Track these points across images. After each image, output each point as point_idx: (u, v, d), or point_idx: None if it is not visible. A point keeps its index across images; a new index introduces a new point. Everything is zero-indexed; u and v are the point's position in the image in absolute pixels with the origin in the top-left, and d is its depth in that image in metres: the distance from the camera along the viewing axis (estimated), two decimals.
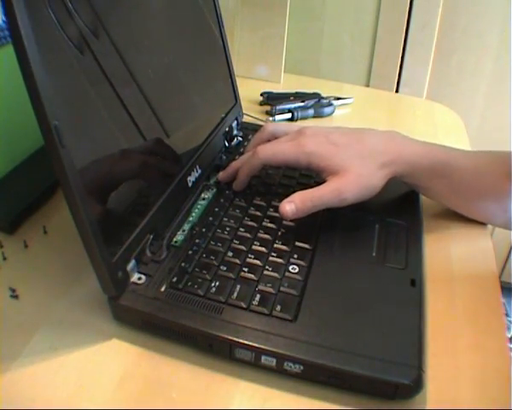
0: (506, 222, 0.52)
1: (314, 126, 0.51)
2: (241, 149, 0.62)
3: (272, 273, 0.43)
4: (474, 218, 0.54)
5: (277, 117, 0.77)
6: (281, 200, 0.52)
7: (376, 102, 0.90)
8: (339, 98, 0.83)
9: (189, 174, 0.51)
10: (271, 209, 0.51)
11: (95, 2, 0.40)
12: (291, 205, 0.47)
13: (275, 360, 0.37)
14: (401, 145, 0.50)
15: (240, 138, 0.66)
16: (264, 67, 0.89)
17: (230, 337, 0.37)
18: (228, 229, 0.47)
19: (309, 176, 0.57)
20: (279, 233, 0.48)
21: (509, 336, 1.23)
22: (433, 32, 1.02)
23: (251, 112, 0.76)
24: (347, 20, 1.04)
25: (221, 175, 0.55)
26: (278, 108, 0.77)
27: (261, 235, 0.47)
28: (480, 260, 0.52)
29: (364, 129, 0.52)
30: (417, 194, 0.57)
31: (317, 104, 0.80)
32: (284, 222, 0.49)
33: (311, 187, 0.54)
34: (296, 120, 0.77)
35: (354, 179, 0.47)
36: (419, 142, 0.51)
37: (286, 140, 0.51)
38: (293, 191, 0.54)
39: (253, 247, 0.46)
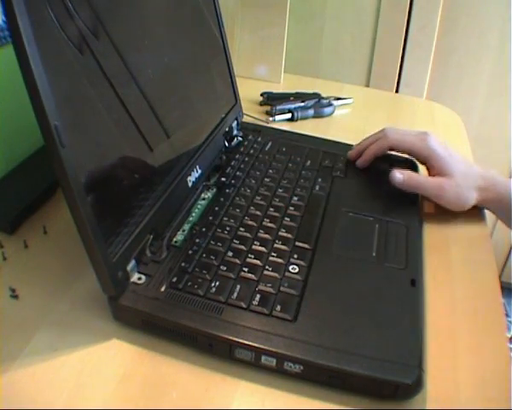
0: None
1: (435, 134, 0.58)
2: (241, 149, 0.62)
3: (272, 273, 0.43)
4: None
5: (277, 117, 0.77)
6: (281, 200, 0.52)
7: (376, 102, 0.90)
8: (339, 98, 0.83)
9: (189, 174, 0.51)
10: (271, 209, 0.51)
11: (95, 2, 0.40)
12: (400, 175, 0.55)
13: (275, 360, 0.37)
14: (496, 177, 0.57)
15: (240, 138, 0.66)
16: (264, 67, 0.89)
17: (230, 337, 0.37)
18: (228, 229, 0.47)
19: (308, 179, 0.57)
20: (279, 233, 0.48)
21: (509, 336, 1.23)
22: (433, 32, 1.02)
23: (251, 112, 0.76)
24: (347, 20, 1.04)
25: (350, 153, 0.63)
26: (278, 108, 0.77)
27: (261, 235, 0.47)
28: (479, 260, 0.52)
29: (469, 162, 0.59)
30: (417, 194, 0.57)
31: (317, 104, 0.80)
32: (284, 222, 0.49)
33: (311, 188, 0.55)
34: (296, 120, 0.77)
35: (455, 186, 0.54)
36: (509, 180, 0.57)
37: (412, 134, 0.59)
38: (294, 192, 0.54)
39: (253, 247, 0.46)
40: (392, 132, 0.59)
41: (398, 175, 0.55)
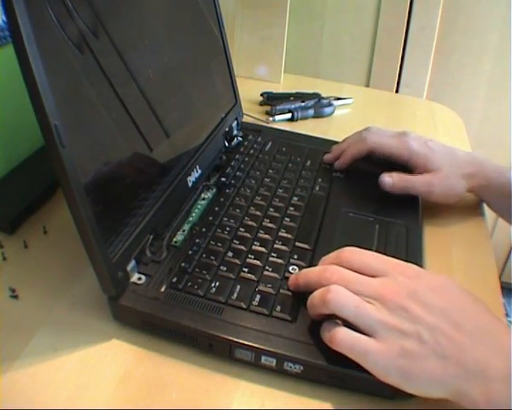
0: None
1: (414, 132, 0.58)
2: (241, 149, 0.62)
3: (272, 274, 0.43)
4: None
5: (277, 117, 0.77)
6: (281, 200, 0.52)
7: (376, 103, 0.90)
8: (339, 98, 0.83)
9: (189, 174, 0.51)
10: (271, 209, 0.51)
11: (95, 2, 0.40)
12: (389, 178, 0.55)
13: (275, 360, 0.37)
14: (482, 162, 0.56)
15: (240, 138, 0.66)
16: (264, 67, 0.89)
17: (230, 337, 0.37)
18: (228, 229, 0.47)
19: (308, 179, 0.57)
20: (279, 233, 0.48)
21: None
22: (433, 32, 1.02)
23: (251, 112, 0.76)
24: (347, 20, 1.04)
25: (326, 156, 0.62)
26: (278, 108, 0.77)
27: (261, 235, 0.47)
28: (480, 260, 0.52)
29: (450, 146, 0.59)
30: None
31: (317, 104, 0.80)
32: (284, 222, 0.49)
33: (311, 188, 0.55)
34: (296, 120, 0.77)
35: (443, 179, 0.55)
36: (497, 164, 0.56)
37: (391, 136, 0.58)
38: (294, 192, 0.54)
39: (253, 247, 0.46)
40: (371, 135, 0.59)
41: (388, 179, 0.55)
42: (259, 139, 0.65)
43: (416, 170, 0.56)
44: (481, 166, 0.56)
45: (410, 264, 0.38)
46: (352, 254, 0.39)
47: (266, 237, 0.47)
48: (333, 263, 0.39)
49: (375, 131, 0.59)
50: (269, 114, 0.78)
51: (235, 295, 0.40)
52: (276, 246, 0.46)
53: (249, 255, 0.44)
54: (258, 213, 0.50)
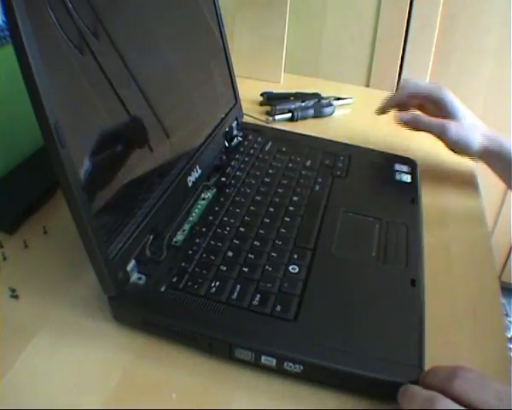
0: None
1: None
2: (241, 149, 0.62)
3: (273, 273, 0.43)
4: None
5: (277, 117, 0.77)
6: (281, 200, 0.52)
7: (376, 102, 0.89)
8: (339, 98, 0.83)
9: (189, 174, 0.51)
10: (272, 209, 0.51)
11: (95, 2, 0.40)
12: (407, 115, 0.61)
13: (275, 360, 0.37)
14: (500, 135, 0.60)
15: (240, 138, 0.65)
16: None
17: (230, 337, 0.37)
18: (228, 228, 0.47)
19: (308, 178, 0.57)
20: (279, 233, 0.48)
21: (509, 336, 1.23)
22: (433, 32, 1.02)
23: (251, 112, 0.76)
24: (347, 20, 1.04)
25: (376, 110, 0.68)
26: (278, 107, 0.77)
27: (262, 234, 0.47)
28: (480, 260, 0.52)
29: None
30: (417, 194, 0.57)
31: (317, 104, 0.80)
32: (284, 222, 0.49)
33: (311, 188, 0.55)
34: (296, 120, 0.77)
35: (460, 128, 0.59)
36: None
37: (428, 84, 0.66)
38: (294, 191, 0.54)
39: (254, 247, 0.46)
40: (408, 83, 0.64)
41: (405, 115, 0.61)
42: (259, 139, 0.65)
43: (440, 114, 0.61)
44: (497, 135, 0.59)
45: None
46: (467, 384, 0.32)
47: (267, 236, 0.47)
48: (442, 387, 0.33)
49: (411, 81, 0.65)
50: (269, 114, 0.78)
51: (236, 294, 0.40)
52: (276, 245, 0.46)
53: (249, 255, 0.44)
54: (258, 212, 0.50)
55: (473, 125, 0.60)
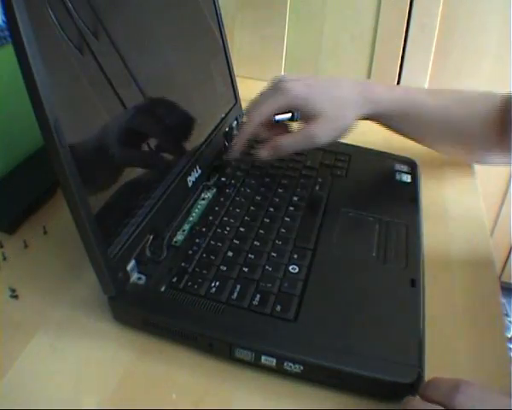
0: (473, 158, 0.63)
1: (293, 73, 0.55)
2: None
3: (273, 273, 0.43)
4: (439, 151, 0.61)
5: (277, 117, 0.76)
6: (281, 200, 0.52)
7: None
8: None
9: (189, 174, 0.51)
10: (272, 209, 0.51)
11: (95, 2, 0.40)
12: (265, 151, 0.53)
13: (275, 360, 0.37)
14: (370, 88, 0.54)
15: None
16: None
17: (230, 337, 0.37)
18: (228, 228, 0.47)
19: (308, 178, 0.57)
20: (279, 233, 0.48)
21: (509, 336, 1.24)
22: (433, 32, 1.02)
23: None
24: (347, 20, 1.04)
25: (227, 155, 0.57)
26: None
27: (261, 234, 0.47)
28: (480, 260, 0.52)
29: (337, 77, 0.56)
30: (417, 194, 0.57)
31: None
32: (284, 222, 0.49)
33: (311, 188, 0.55)
34: (296, 120, 0.77)
35: (328, 124, 0.52)
36: (387, 85, 0.56)
37: (266, 91, 0.54)
38: (294, 191, 0.54)
39: (254, 246, 0.46)
40: (249, 112, 0.54)
41: (263, 151, 0.53)
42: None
43: (305, 117, 0.53)
44: (368, 94, 0.54)
45: None
46: (469, 400, 0.31)
47: (266, 236, 0.47)
48: (443, 402, 0.32)
49: (251, 105, 0.54)
50: None
51: (236, 294, 0.40)
52: (276, 245, 0.46)
53: (249, 255, 0.44)
54: (258, 212, 0.50)
55: (337, 105, 0.52)
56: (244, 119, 0.55)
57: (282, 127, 0.55)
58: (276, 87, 0.53)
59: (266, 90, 0.54)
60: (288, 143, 0.53)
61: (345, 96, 0.53)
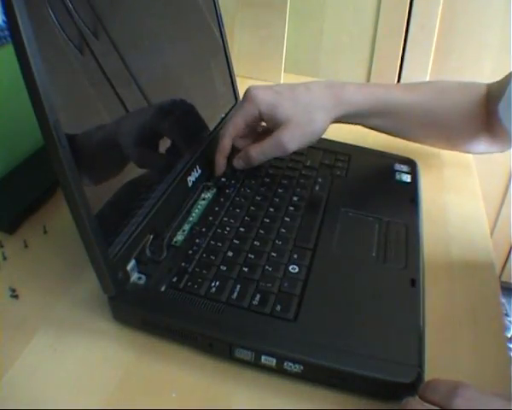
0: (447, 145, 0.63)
1: (262, 84, 0.54)
2: None
3: (273, 273, 0.43)
4: (426, 145, 0.63)
5: None
6: (281, 199, 0.52)
7: None
8: None
9: (189, 174, 0.51)
10: (272, 209, 0.51)
11: (95, 2, 0.40)
12: (238, 160, 0.54)
13: (275, 360, 0.37)
14: (340, 89, 0.54)
15: None
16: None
17: (230, 337, 0.37)
18: (228, 228, 0.47)
19: (308, 178, 0.57)
20: (279, 233, 0.48)
21: (509, 336, 1.24)
22: (433, 32, 1.02)
23: None
24: (347, 20, 1.04)
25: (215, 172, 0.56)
26: None
27: (261, 234, 0.47)
28: (479, 260, 0.52)
29: (308, 81, 0.55)
30: (417, 194, 0.57)
31: None
32: (284, 221, 0.49)
33: (311, 188, 0.55)
34: None
35: (296, 130, 0.51)
36: (359, 84, 0.55)
37: (238, 103, 0.55)
38: (294, 191, 0.54)
39: (254, 246, 0.46)
40: (223, 130, 0.55)
41: (236, 162, 0.54)
42: None
43: (269, 125, 0.53)
44: (339, 95, 0.53)
45: None
46: (467, 403, 0.31)
47: (266, 236, 0.47)
48: (441, 404, 0.32)
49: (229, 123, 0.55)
50: None
51: (236, 294, 0.40)
52: (276, 245, 0.46)
53: (249, 255, 0.44)
54: (258, 212, 0.50)
55: (306, 110, 0.51)
56: (219, 134, 0.56)
57: (262, 134, 0.55)
58: (244, 97, 0.54)
59: (239, 103, 0.55)
60: (256, 152, 0.53)
61: (314, 100, 0.53)
